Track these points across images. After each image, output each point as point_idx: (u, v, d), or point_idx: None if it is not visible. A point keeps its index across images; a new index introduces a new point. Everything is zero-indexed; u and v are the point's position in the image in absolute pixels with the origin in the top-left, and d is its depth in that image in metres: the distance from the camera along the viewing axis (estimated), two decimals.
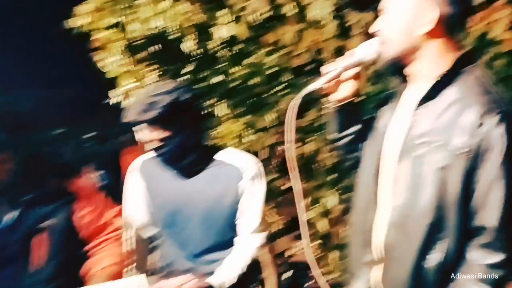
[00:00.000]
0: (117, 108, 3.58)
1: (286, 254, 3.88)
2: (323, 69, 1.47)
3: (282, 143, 3.69)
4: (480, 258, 1.24)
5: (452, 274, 1.30)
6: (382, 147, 1.47)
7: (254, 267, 2.05)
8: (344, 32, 3.65)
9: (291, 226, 3.78)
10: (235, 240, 1.99)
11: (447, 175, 1.22)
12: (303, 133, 3.63)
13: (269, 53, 3.64)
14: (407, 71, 1.38)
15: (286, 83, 3.68)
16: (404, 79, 1.43)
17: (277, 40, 3.64)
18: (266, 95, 3.56)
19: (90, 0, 3.75)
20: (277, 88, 3.65)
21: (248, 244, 1.99)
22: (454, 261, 1.29)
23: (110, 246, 1.93)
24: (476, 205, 1.22)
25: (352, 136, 1.65)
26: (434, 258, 1.29)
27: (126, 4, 3.62)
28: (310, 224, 3.69)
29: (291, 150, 1.48)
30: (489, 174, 1.18)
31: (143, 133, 1.82)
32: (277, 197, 3.54)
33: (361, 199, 1.55)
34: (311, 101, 3.69)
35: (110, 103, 3.72)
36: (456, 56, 1.29)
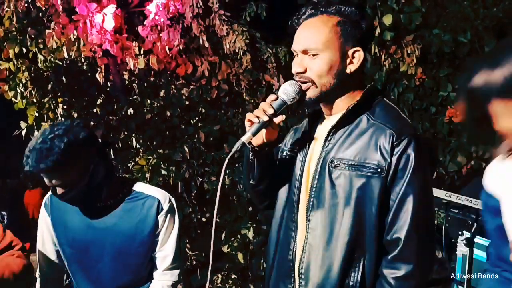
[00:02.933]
0: (26, 142, 3.40)
1: None
2: (249, 116, 1.35)
3: (198, 175, 3.65)
4: (392, 272, 1.28)
5: None
6: (302, 172, 1.46)
7: None
8: (258, 65, 3.72)
9: (207, 261, 3.69)
10: (154, 274, 1.90)
11: (364, 194, 1.29)
12: (220, 166, 3.59)
13: (184, 85, 3.62)
14: (323, 104, 1.42)
15: (202, 115, 3.66)
16: (316, 112, 1.46)
17: (192, 72, 3.63)
18: (181, 127, 3.51)
19: None
20: (193, 121, 3.62)
21: (160, 282, 1.89)
22: (374, 279, 1.32)
23: (8, 253, 1.80)
24: (391, 220, 1.29)
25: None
26: (356, 276, 1.32)
27: (34, 33, 3.49)
28: (230, 256, 3.63)
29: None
30: (402, 190, 1.27)
31: (46, 180, 1.69)
32: (193, 230, 3.46)
33: (278, 228, 1.52)
34: (227, 134, 3.70)
35: (18, 136, 3.52)
36: (365, 89, 1.39)
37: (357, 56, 1.34)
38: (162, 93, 3.62)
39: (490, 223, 1.19)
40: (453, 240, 3.24)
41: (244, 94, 3.77)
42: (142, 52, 3.54)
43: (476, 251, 2.64)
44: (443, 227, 2.68)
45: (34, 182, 5.22)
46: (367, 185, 1.29)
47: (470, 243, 2.64)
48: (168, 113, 3.60)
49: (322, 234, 1.35)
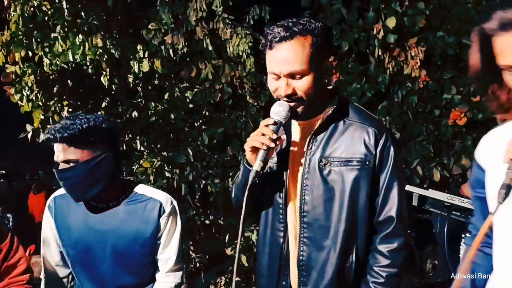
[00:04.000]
0: (32, 145, 3.44)
1: None
2: (253, 143, 1.43)
3: (202, 178, 3.67)
4: (387, 246, 1.46)
5: (365, 266, 1.49)
6: (283, 181, 1.55)
7: None
8: (262, 67, 3.73)
9: (210, 263, 3.70)
10: (156, 276, 1.92)
11: (356, 185, 1.45)
12: (224, 169, 3.61)
13: (188, 88, 3.64)
14: (300, 110, 1.50)
15: (206, 118, 3.67)
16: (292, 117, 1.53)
17: (196, 75, 3.65)
18: (185, 130, 3.53)
19: (4, 33, 3.62)
20: (197, 124, 3.63)
21: (163, 284, 1.90)
22: (365, 254, 1.50)
23: None
24: (381, 203, 1.48)
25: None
26: (352, 257, 1.49)
27: (40, 37, 3.52)
28: (233, 259, 3.63)
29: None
30: (387, 177, 1.47)
31: (56, 154, 1.74)
32: (197, 232, 3.47)
33: (266, 230, 1.62)
34: (230, 136, 3.71)
35: (24, 138, 3.56)
36: (335, 95, 1.54)
37: (331, 66, 1.51)
38: (166, 96, 3.64)
39: (474, 195, 1.24)
40: (455, 243, 3.24)
41: (248, 97, 3.78)
42: (146, 55, 3.56)
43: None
44: (445, 230, 2.67)
45: (39, 185, 5.26)
46: (358, 177, 1.46)
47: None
48: (172, 116, 3.62)
49: (320, 227, 1.50)
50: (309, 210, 1.50)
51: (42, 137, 1.75)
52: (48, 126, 3.28)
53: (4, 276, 1.79)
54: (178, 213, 1.88)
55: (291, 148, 1.57)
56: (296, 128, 1.58)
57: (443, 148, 4.06)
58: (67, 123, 1.67)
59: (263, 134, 1.42)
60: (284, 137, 1.54)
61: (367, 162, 1.46)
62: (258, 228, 3.71)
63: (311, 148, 1.51)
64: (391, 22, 3.86)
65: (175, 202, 1.87)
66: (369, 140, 1.47)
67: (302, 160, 1.52)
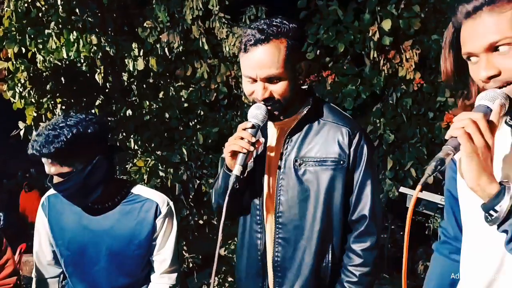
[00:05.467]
0: (25, 142, 3.39)
1: None
2: (232, 147, 1.40)
3: (196, 178, 3.65)
4: (360, 245, 1.47)
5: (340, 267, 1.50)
6: (260, 182, 1.54)
7: None
8: None
9: (203, 263, 3.68)
10: (151, 277, 1.89)
11: (331, 185, 1.46)
12: (218, 169, 3.59)
13: (183, 87, 3.62)
14: (277, 113, 1.50)
15: (201, 118, 3.65)
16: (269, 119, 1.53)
17: (192, 74, 3.63)
18: (180, 129, 3.50)
19: None
20: (192, 123, 3.61)
21: (158, 286, 1.88)
22: (341, 254, 1.51)
23: None
24: (355, 202, 1.48)
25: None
26: (328, 257, 1.49)
27: (33, 33, 3.48)
28: (226, 259, 3.62)
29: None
30: (360, 176, 1.47)
31: (46, 167, 1.69)
32: (190, 233, 3.45)
33: (244, 232, 1.61)
34: (225, 136, 3.69)
35: (17, 136, 3.51)
36: (311, 95, 1.54)
37: (305, 66, 1.49)
38: (161, 95, 3.61)
39: (447, 197, 1.23)
40: None
41: (243, 97, 3.77)
42: (141, 54, 3.54)
43: None
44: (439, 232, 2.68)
45: (31, 183, 5.20)
46: (332, 177, 1.47)
47: None
48: (167, 115, 3.59)
49: (295, 227, 1.49)
50: (284, 211, 1.50)
51: (29, 151, 1.69)
52: (38, 129, 3.24)
53: None
54: (175, 215, 1.86)
55: (268, 149, 1.56)
56: (272, 129, 1.57)
57: (436, 150, 4.07)
58: (50, 136, 1.60)
59: (242, 138, 1.39)
60: (262, 140, 1.53)
61: (341, 162, 1.47)
62: None
63: (286, 148, 1.51)
64: (387, 24, 3.88)
65: (171, 203, 1.85)
66: (342, 140, 1.48)
67: (278, 161, 1.52)
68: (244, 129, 1.41)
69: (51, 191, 1.91)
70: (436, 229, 3.64)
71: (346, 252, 1.50)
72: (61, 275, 1.93)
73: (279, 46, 1.39)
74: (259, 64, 1.39)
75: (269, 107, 1.44)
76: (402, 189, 3.83)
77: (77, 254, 1.81)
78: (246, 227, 1.60)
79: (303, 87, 1.59)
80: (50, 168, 1.65)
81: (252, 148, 1.40)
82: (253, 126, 1.43)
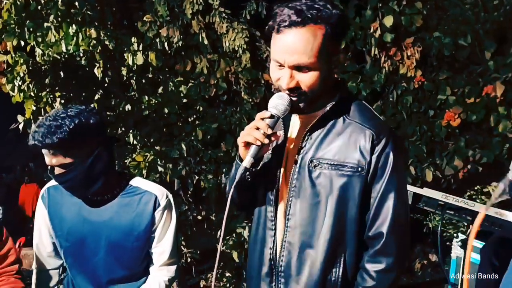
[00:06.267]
0: (24, 136, 3.38)
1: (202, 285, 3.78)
2: (245, 138, 1.31)
3: (195, 173, 3.65)
4: (374, 266, 1.33)
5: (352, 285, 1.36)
6: (276, 178, 1.44)
7: None
8: (258, 63, 3.70)
9: (202, 258, 3.69)
10: (150, 269, 1.90)
11: (345, 193, 1.31)
12: (217, 164, 3.59)
13: (182, 82, 3.60)
14: (302, 106, 1.37)
15: (200, 113, 3.64)
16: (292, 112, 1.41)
17: (191, 69, 3.61)
18: (179, 124, 3.49)
19: None
20: (191, 119, 3.60)
21: (157, 278, 1.89)
22: (355, 272, 1.36)
23: (4, 282, 1.80)
24: (372, 216, 1.33)
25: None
26: (337, 272, 1.35)
27: (32, 27, 3.46)
28: (224, 255, 3.63)
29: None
30: (382, 188, 1.31)
31: (46, 159, 1.69)
32: (188, 228, 3.45)
33: (258, 228, 1.52)
34: (224, 132, 3.69)
35: (16, 130, 3.50)
36: (338, 90, 1.38)
37: (340, 60, 1.36)
38: (160, 90, 3.60)
39: None
40: (447, 243, 3.26)
41: (243, 93, 3.75)
42: (141, 48, 3.51)
43: (471, 254, 2.65)
44: (439, 230, 2.68)
45: (30, 177, 5.21)
46: (348, 184, 1.31)
47: (465, 245, 2.65)
48: (166, 110, 3.58)
49: (302, 232, 1.37)
50: (294, 213, 1.38)
51: (30, 142, 1.68)
52: (37, 121, 3.22)
53: None
54: (174, 207, 1.86)
55: (288, 141, 1.44)
56: (296, 121, 1.45)
57: (436, 148, 4.07)
58: (52, 127, 1.59)
59: (258, 128, 1.30)
60: (280, 133, 1.42)
61: (360, 169, 1.31)
62: (250, 224, 3.71)
63: (305, 145, 1.38)
64: (388, 21, 3.84)
65: (170, 196, 1.85)
66: (364, 144, 1.31)
67: (294, 159, 1.39)
68: (262, 119, 1.31)
69: (51, 183, 1.91)
70: (434, 228, 3.64)
71: (360, 271, 1.36)
72: (61, 267, 1.95)
73: (316, 32, 1.25)
74: (290, 49, 1.26)
75: (293, 98, 1.32)
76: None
77: (76, 245, 1.83)
78: (260, 222, 1.49)
79: (334, 80, 1.41)
80: (51, 159, 1.65)
81: (267, 141, 1.30)
82: (271, 116, 1.31)
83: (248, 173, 1.38)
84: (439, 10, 3.96)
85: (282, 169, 1.43)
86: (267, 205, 1.46)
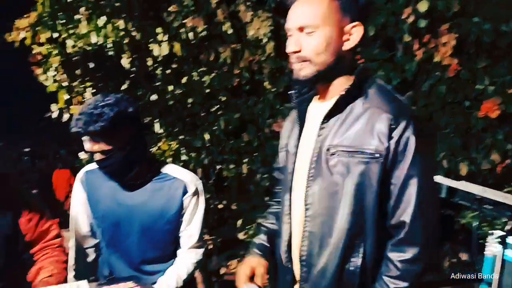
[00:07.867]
0: (56, 124, 3.56)
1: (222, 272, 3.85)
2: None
3: (217, 163, 3.68)
4: (399, 255, 1.29)
5: (373, 275, 1.34)
6: (294, 164, 1.46)
7: (191, 283, 2.05)
8: (282, 52, 3.63)
9: (223, 246, 3.75)
10: (178, 252, 2.00)
11: (363, 180, 1.28)
12: (239, 154, 3.60)
13: (206, 72, 3.62)
14: (317, 87, 1.39)
15: (223, 103, 3.65)
16: (304, 101, 1.43)
17: (215, 59, 3.61)
18: (202, 114, 3.53)
19: (31, 14, 3.73)
20: (214, 108, 3.63)
21: (185, 260, 1.99)
22: (375, 262, 1.33)
23: (49, 255, 1.95)
24: (394, 204, 1.29)
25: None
26: (356, 261, 1.33)
27: (64, 19, 3.60)
28: (245, 243, 3.67)
29: None
30: (403, 174, 1.26)
31: (87, 145, 1.80)
32: (211, 216, 3.51)
33: (281, 217, 1.53)
34: (247, 122, 3.68)
35: (50, 118, 3.69)
36: (358, 71, 1.34)
37: (356, 32, 1.30)
38: (184, 80, 3.64)
39: None
40: (480, 241, 3.09)
41: (267, 82, 3.71)
42: (166, 39, 3.56)
43: (507, 252, 2.50)
44: (475, 226, 2.53)
45: (62, 162, 5.50)
46: (365, 171, 1.27)
47: (504, 242, 2.49)
48: (190, 100, 3.62)
49: (322, 222, 1.35)
50: (313, 203, 1.36)
51: (73, 129, 1.78)
52: (74, 110, 3.36)
53: (38, 241, 1.91)
54: (203, 194, 1.93)
55: (303, 132, 1.44)
56: (312, 110, 1.43)
57: (472, 141, 3.84)
58: (93, 115, 1.68)
59: None
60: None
61: (377, 155, 1.26)
62: None
63: (321, 134, 1.35)
64: (423, 6, 3.61)
65: (199, 182, 1.95)
66: (381, 129, 1.25)
67: (312, 147, 1.38)
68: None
69: (88, 167, 2.04)
70: (467, 225, 3.46)
71: (384, 260, 1.33)
72: (97, 246, 2.06)
73: (325, 1, 1.27)
74: (297, 12, 1.29)
75: (298, 65, 1.31)
76: (439, 178, 3.61)
77: (112, 227, 1.96)
78: (283, 211, 1.49)
79: (351, 60, 1.36)
80: (92, 145, 1.76)
81: None
82: None
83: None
84: None
85: (298, 160, 1.43)
86: (284, 198, 1.48)
